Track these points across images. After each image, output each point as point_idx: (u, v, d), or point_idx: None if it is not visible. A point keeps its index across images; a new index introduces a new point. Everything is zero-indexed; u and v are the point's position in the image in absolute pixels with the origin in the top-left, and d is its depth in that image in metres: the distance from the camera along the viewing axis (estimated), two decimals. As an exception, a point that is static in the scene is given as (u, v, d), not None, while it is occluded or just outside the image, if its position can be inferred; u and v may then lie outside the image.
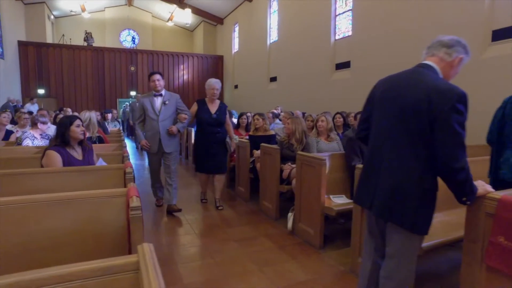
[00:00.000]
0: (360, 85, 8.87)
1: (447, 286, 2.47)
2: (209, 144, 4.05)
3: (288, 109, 10.17)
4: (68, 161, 2.69)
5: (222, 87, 22.37)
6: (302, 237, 3.24)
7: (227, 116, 4.28)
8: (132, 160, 8.31)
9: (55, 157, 2.66)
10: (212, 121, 4.03)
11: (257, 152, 4.40)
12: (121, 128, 8.36)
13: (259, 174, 4.30)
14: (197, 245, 3.17)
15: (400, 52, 7.54)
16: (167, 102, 3.90)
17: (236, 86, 17.68)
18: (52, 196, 1.60)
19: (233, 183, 5.11)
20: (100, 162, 2.80)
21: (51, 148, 2.71)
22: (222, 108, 4.20)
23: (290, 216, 3.43)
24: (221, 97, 19.25)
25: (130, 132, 12.53)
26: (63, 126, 2.70)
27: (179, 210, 3.98)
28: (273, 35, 13.82)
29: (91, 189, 2.32)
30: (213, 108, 4.10)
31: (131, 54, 17.29)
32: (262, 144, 4.13)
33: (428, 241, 2.12)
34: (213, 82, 4.09)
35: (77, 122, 2.76)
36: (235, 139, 4.41)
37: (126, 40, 20.82)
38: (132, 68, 17.13)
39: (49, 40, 16.77)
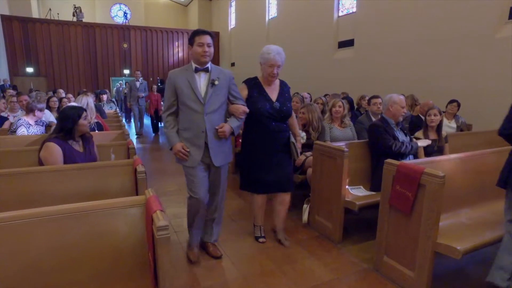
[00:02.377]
0: (364, 64, 8.60)
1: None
2: (269, 149, 2.69)
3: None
4: (70, 154, 2.48)
5: (218, 65, 22.91)
6: (319, 230, 3.10)
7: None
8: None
9: (56, 151, 2.43)
10: (274, 113, 2.64)
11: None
12: (117, 109, 8.04)
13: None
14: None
15: (407, 30, 7.24)
16: (216, 82, 2.37)
17: (233, 64, 17.18)
18: (61, 209, 1.40)
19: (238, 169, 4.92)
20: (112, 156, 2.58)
21: (51, 140, 2.48)
22: (286, 91, 2.79)
23: (306, 208, 3.28)
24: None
25: (126, 116, 12.11)
26: (71, 120, 2.47)
27: (219, 257, 2.66)
28: (272, 11, 13.28)
29: (96, 189, 2.17)
30: (273, 92, 2.72)
31: (123, 30, 16.62)
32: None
33: (464, 244, 1.98)
34: (273, 54, 2.58)
35: (84, 114, 2.54)
36: (302, 137, 3.22)
37: (117, 15, 20.02)
38: (125, 45, 16.51)
39: (35, 15, 15.98)
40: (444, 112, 5.12)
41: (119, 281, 1.40)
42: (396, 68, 7.61)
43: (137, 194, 2.14)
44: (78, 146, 2.59)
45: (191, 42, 2.36)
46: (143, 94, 8.85)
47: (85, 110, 2.66)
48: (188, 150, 2.38)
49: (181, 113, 2.43)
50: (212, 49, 2.36)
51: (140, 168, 2.11)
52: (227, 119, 2.53)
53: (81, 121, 2.53)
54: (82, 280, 1.37)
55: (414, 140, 3.33)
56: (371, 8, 8.33)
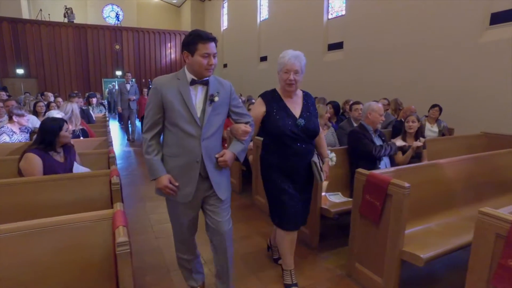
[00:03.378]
0: (353, 67, 8.69)
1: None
2: (296, 175, 2.26)
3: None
4: (50, 165, 2.51)
5: None
6: (298, 236, 3.17)
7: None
8: (119, 146, 8.10)
9: (35, 162, 2.47)
10: (298, 132, 2.19)
11: (249, 144, 4.26)
12: (106, 112, 8.04)
13: (252, 167, 4.18)
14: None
15: (395, 33, 7.34)
16: (216, 98, 1.87)
17: (225, 65, 17.23)
18: (31, 224, 1.45)
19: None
20: (77, 168, 2.60)
21: (31, 151, 2.52)
22: (310, 104, 2.34)
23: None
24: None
25: (120, 118, 11.63)
26: (52, 133, 2.50)
27: None
28: (263, 13, 13.34)
29: (75, 200, 2.21)
30: (296, 107, 2.27)
31: (116, 31, 16.58)
32: (256, 137, 3.99)
33: (427, 252, 2.07)
34: (288, 57, 2.19)
35: (66, 126, 2.57)
36: (332, 159, 2.72)
37: (109, 16, 19.95)
38: (117, 47, 16.47)
39: (25, 15, 15.88)
40: (426, 116, 5.23)
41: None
42: (384, 71, 7.71)
43: (112, 205, 2.18)
44: (59, 157, 2.62)
45: (190, 49, 1.77)
46: (134, 97, 8.39)
47: (66, 122, 2.69)
48: (177, 184, 1.86)
49: (168, 134, 1.87)
50: (216, 60, 1.85)
51: (114, 179, 2.16)
52: (233, 142, 2.03)
53: (62, 133, 2.56)
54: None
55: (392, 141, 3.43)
56: (359, 12, 8.42)
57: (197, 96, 1.86)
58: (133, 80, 8.80)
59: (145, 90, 9.12)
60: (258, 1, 13.49)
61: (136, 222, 3.61)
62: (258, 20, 13.58)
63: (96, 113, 7.29)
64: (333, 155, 2.75)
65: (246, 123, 2.03)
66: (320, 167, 2.29)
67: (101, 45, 16.19)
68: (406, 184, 2.10)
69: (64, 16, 16.32)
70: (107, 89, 14.74)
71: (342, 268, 2.66)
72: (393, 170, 2.57)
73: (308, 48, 10.41)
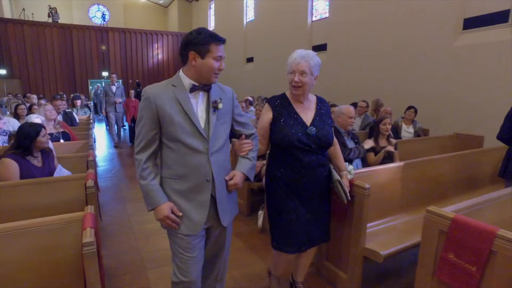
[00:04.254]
0: (335, 69, 8.87)
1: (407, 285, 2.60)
2: (304, 191, 1.99)
3: (266, 92, 10.09)
4: (27, 170, 2.57)
5: None
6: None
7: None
8: (105, 147, 8.10)
9: (11, 167, 2.52)
10: (308, 141, 1.94)
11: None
12: (91, 114, 8.03)
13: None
14: (167, 247, 3.15)
15: (376, 36, 7.53)
16: (220, 106, 1.64)
17: (213, 66, 17.27)
18: (3, 227, 1.52)
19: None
20: (60, 170, 2.67)
21: (8, 156, 2.57)
22: (325, 111, 2.09)
23: (261, 214, 3.47)
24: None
25: (107, 121, 10.95)
26: (29, 138, 2.55)
27: None
28: (249, 14, 13.45)
29: (51, 204, 2.29)
30: (308, 113, 2.03)
31: (102, 32, 16.47)
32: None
33: (387, 249, 2.21)
34: (295, 56, 1.95)
35: (43, 131, 2.63)
36: (351, 172, 2.32)
37: (95, 16, 19.76)
38: (103, 47, 16.36)
39: (7, 15, 15.63)
40: (403, 117, 5.41)
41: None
42: (364, 73, 7.90)
43: (87, 207, 2.26)
44: (36, 161, 2.67)
45: (201, 50, 1.51)
46: (120, 100, 7.99)
47: (44, 127, 2.75)
48: (180, 214, 1.59)
49: (167, 152, 1.60)
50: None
51: (89, 183, 2.24)
52: (240, 160, 1.80)
53: (39, 138, 2.61)
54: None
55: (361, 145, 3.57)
56: (341, 14, 8.60)
57: (198, 104, 1.61)
58: (120, 81, 8.50)
59: (132, 92, 8.81)
60: (245, 3, 13.60)
61: (117, 223, 3.67)
62: (245, 22, 13.68)
63: (80, 114, 7.30)
64: (351, 167, 2.38)
65: (250, 135, 1.81)
66: (343, 185, 2.05)
67: (87, 45, 16.06)
68: (367, 185, 2.23)
69: (48, 16, 16.14)
70: (93, 90, 14.62)
71: (312, 265, 2.78)
72: (363, 171, 2.70)
73: (293, 49, 10.44)
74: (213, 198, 1.64)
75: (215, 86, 1.68)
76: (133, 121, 8.44)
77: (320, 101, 2.12)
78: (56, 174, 2.63)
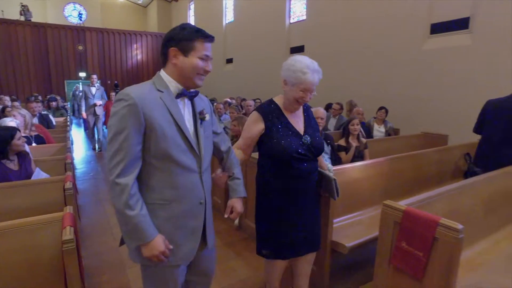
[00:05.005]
0: (313, 70, 9.10)
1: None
2: (301, 198, 1.96)
3: (245, 93, 10.23)
4: (3, 174, 2.60)
5: None
6: (248, 233, 3.44)
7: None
8: (82, 150, 8.01)
9: (-13, 170, 2.55)
10: (305, 151, 1.89)
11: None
12: (69, 117, 7.90)
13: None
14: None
15: (351, 39, 7.81)
16: (207, 117, 1.49)
17: (193, 67, 17.27)
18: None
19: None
20: (38, 173, 2.71)
21: (-18, 160, 2.60)
22: (311, 117, 2.07)
23: (238, 212, 3.59)
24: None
25: (85, 124, 10.29)
26: (4, 142, 2.57)
27: None
28: (229, 16, 13.55)
29: (30, 206, 2.34)
30: (299, 122, 1.97)
31: (78, 31, 16.13)
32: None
33: (352, 242, 2.39)
34: (310, 73, 1.80)
35: (18, 134, 2.65)
36: (331, 170, 2.25)
37: (71, 15, 19.30)
38: (80, 47, 16.04)
39: (-25, 12, 15.06)
40: (375, 118, 5.67)
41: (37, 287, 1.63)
42: (340, 74, 8.16)
43: (66, 209, 2.33)
44: (12, 165, 2.70)
45: (184, 46, 1.32)
46: (100, 102, 7.57)
47: (19, 130, 2.78)
48: (171, 247, 1.35)
49: (153, 172, 1.33)
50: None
51: (68, 185, 2.31)
52: (229, 181, 1.66)
53: (14, 142, 2.64)
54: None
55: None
56: (318, 18, 8.85)
57: (185, 114, 1.39)
58: (98, 82, 8.03)
59: (113, 94, 8.37)
60: (224, 4, 13.69)
61: (96, 224, 3.71)
62: (224, 23, 13.77)
63: (57, 117, 7.19)
64: (331, 166, 2.39)
65: (228, 149, 1.68)
66: (336, 182, 2.05)
67: (63, 45, 15.69)
68: (459, 226, 2.37)
69: (20, 14, 15.65)
70: (71, 92, 14.31)
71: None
72: (333, 169, 2.87)
73: (271, 51, 10.77)
74: (203, 229, 1.46)
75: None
76: None
77: (306, 107, 2.05)
78: (34, 177, 2.66)
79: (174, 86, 1.36)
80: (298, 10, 10.03)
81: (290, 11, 10.23)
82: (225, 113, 5.94)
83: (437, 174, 3.84)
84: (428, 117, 6.17)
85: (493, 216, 2.47)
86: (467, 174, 3.59)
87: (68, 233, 1.52)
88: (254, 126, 1.89)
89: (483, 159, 3.19)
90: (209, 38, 1.36)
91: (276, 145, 1.84)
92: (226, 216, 1.54)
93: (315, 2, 8.95)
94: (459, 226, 1.58)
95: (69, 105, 12.10)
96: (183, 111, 1.38)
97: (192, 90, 1.41)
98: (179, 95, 1.36)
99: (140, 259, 1.36)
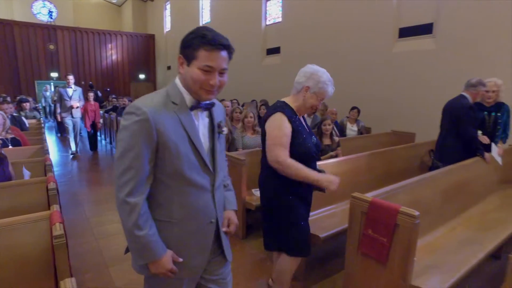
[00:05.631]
0: (289, 70, 9.29)
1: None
2: (310, 196, 2.12)
3: (221, 94, 10.32)
4: (-19, 175, 2.60)
5: (154, 68, 21.09)
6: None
7: None
8: (57, 153, 7.85)
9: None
10: (317, 150, 2.09)
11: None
12: (42, 118, 7.71)
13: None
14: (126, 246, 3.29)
15: (324, 41, 8.09)
16: (225, 129, 1.38)
17: (169, 67, 17.14)
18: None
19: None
20: (25, 173, 2.72)
21: (-41, 162, 2.58)
22: (303, 118, 2.18)
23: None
24: (153, 78, 18.58)
25: (58, 128, 10.03)
26: None
27: None
28: (205, 17, 13.59)
29: (11, 207, 2.36)
30: (305, 124, 2.12)
31: (49, 30, 15.63)
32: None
33: (325, 233, 2.58)
34: (332, 86, 2.04)
35: None
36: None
37: (41, 13, 18.61)
38: (51, 47, 15.54)
39: None
40: (347, 117, 5.95)
41: (24, 284, 1.69)
42: (315, 76, 8.43)
43: (49, 209, 2.37)
44: (-11, 167, 2.70)
45: (188, 54, 1.20)
46: (78, 104, 7.07)
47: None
48: (181, 260, 1.29)
49: (163, 189, 1.26)
50: (225, 78, 1.26)
51: (51, 185, 2.35)
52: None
53: None
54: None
55: None
56: (293, 20, 9.10)
57: (199, 127, 1.28)
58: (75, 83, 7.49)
59: (91, 94, 7.87)
60: (200, 5, 13.71)
61: (76, 226, 3.72)
62: (201, 23, 13.79)
63: (30, 119, 7.02)
64: None
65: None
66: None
67: (32, 44, 15.13)
68: (416, 212, 2.54)
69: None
70: (42, 93, 13.84)
71: (265, 252, 3.10)
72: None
73: (248, 52, 10.93)
74: (216, 235, 1.37)
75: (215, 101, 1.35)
76: (92, 126, 7.86)
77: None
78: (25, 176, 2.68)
79: (188, 98, 1.24)
80: (274, 12, 10.24)
81: (266, 13, 10.43)
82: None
83: (405, 169, 4.12)
84: (397, 116, 6.53)
85: (449, 205, 2.74)
86: (432, 168, 3.89)
87: (58, 229, 1.59)
88: (285, 126, 1.90)
89: (436, 152, 3.72)
90: (216, 45, 1.16)
91: (302, 145, 1.92)
92: (224, 229, 1.40)
93: (290, 4, 9.18)
94: (416, 213, 1.79)
95: (40, 106, 11.74)
96: (198, 124, 1.27)
97: (207, 101, 1.27)
98: (193, 107, 1.25)
99: (145, 272, 1.30)
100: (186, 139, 1.21)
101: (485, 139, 3.44)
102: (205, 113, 1.31)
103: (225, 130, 1.35)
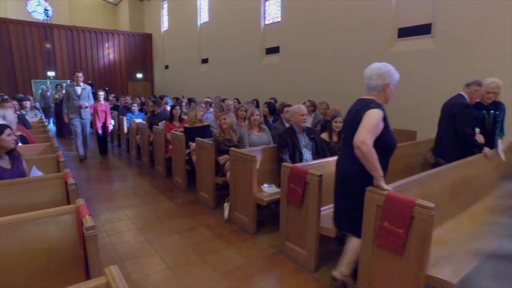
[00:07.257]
0: (288, 70, 9.41)
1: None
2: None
3: (221, 93, 10.35)
4: (-5, 171, 2.61)
5: (151, 67, 20.93)
6: (238, 224, 3.62)
7: None
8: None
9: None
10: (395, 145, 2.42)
11: (193, 145, 4.57)
12: (43, 117, 7.67)
13: (195, 167, 4.51)
14: (139, 240, 3.34)
15: (325, 41, 8.16)
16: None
17: (166, 67, 17.11)
18: (2, 221, 1.66)
19: (170, 174, 5.27)
20: (35, 172, 2.75)
21: (-28, 158, 2.59)
22: None
23: (226, 206, 3.77)
24: (151, 77, 18.53)
25: (60, 128, 9.88)
26: None
27: None
28: (203, 16, 13.58)
29: (27, 203, 2.39)
30: None
31: (45, 28, 15.46)
32: (197, 138, 4.33)
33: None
34: (395, 72, 2.49)
35: (8, 131, 2.65)
36: None
37: (36, 11, 18.42)
38: (48, 45, 15.39)
39: None
40: (349, 116, 6.01)
41: (56, 276, 1.72)
42: (315, 74, 8.51)
43: (68, 204, 2.40)
44: (4, 163, 2.70)
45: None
46: (87, 104, 6.56)
47: (9, 127, 2.78)
48: None
49: None
50: None
51: (70, 180, 2.39)
52: None
53: (3, 137, 2.61)
54: (19, 280, 1.65)
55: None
56: (292, 19, 9.15)
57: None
58: (68, 82, 7.24)
59: (101, 93, 7.20)
60: (198, 4, 13.70)
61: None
62: (199, 23, 13.78)
63: (31, 117, 6.99)
64: None
65: None
66: None
67: (28, 43, 14.96)
68: (319, 173, 2.64)
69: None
70: (39, 92, 13.68)
71: (276, 247, 3.16)
72: (316, 162, 3.13)
73: (247, 52, 10.97)
74: None
75: None
76: (103, 128, 7.17)
77: None
78: (32, 175, 2.69)
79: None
80: (273, 11, 10.29)
81: (265, 12, 10.47)
82: (207, 112, 6.07)
83: (408, 166, 4.20)
84: (399, 114, 6.60)
85: (457, 200, 2.82)
86: (434, 165, 3.98)
87: (88, 221, 1.63)
88: (380, 121, 2.21)
89: (435, 149, 3.88)
90: None
91: (390, 137, 2.26)
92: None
93: (289, 4, 9.24)
94: (431, 205, 1.87)
95: (37, 105, 11.63)
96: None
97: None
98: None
99: None
100: None
101: (480, 138, 3.55)
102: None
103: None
